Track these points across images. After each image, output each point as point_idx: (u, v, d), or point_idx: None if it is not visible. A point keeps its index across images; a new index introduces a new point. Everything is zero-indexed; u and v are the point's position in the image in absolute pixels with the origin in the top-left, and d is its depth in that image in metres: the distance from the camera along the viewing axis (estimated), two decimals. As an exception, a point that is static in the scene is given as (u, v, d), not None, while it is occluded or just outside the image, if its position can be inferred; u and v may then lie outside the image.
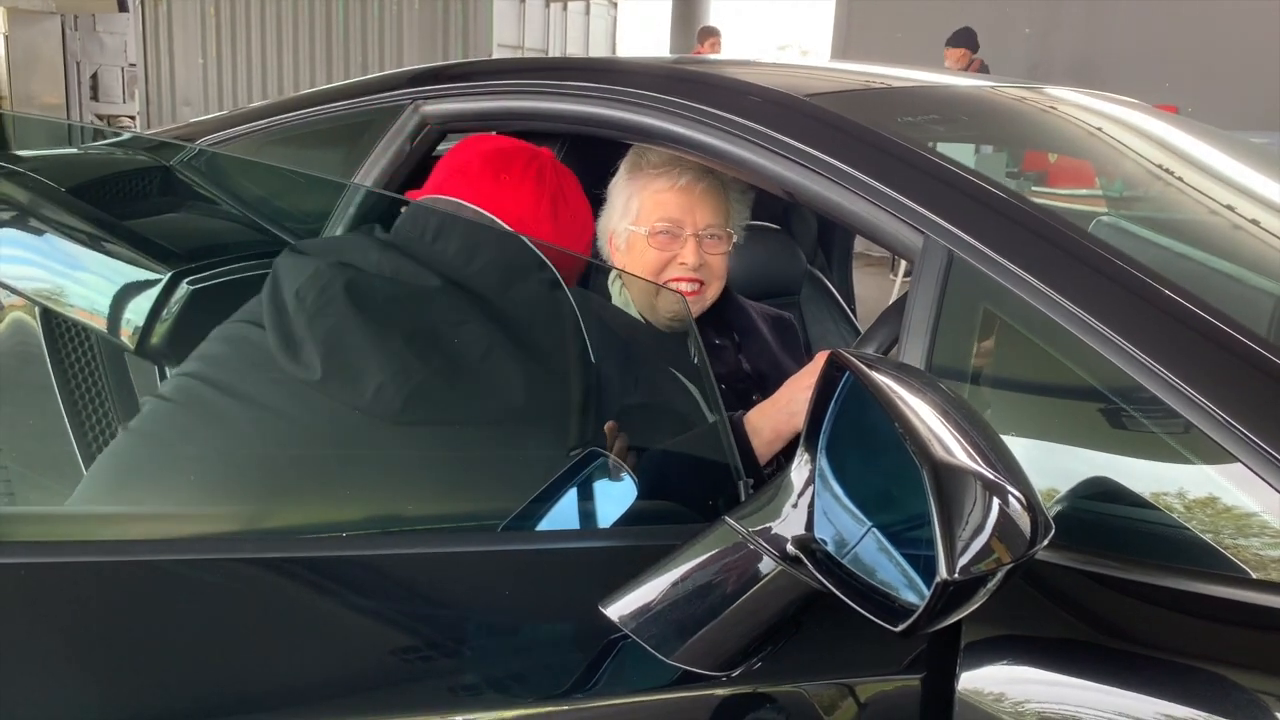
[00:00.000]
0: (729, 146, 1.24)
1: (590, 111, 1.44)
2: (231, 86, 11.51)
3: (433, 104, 1.65)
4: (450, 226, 1.07)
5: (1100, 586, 0.88)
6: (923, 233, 1.04)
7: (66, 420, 1.43)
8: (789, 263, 2.33)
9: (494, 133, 1.73)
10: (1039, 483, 0.92)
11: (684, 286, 1.56)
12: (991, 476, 0.66)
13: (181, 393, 1.24)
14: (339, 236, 1.07)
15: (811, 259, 2.45)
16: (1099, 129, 1.62)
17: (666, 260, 1.55)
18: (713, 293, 1.61)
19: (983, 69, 7.34)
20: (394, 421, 0.95)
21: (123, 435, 1.29)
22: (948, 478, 0.64)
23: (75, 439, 1.41)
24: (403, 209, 1.18)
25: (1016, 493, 0.67)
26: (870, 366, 0.71)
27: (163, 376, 1.47)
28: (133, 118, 12.17)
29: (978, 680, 0.84)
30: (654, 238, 1.55)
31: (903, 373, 0.73)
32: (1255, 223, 1.48)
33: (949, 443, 0.67)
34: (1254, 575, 0.85)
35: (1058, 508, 0.93)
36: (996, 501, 0.65)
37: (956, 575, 0.62)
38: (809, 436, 0.77)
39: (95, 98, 12.33)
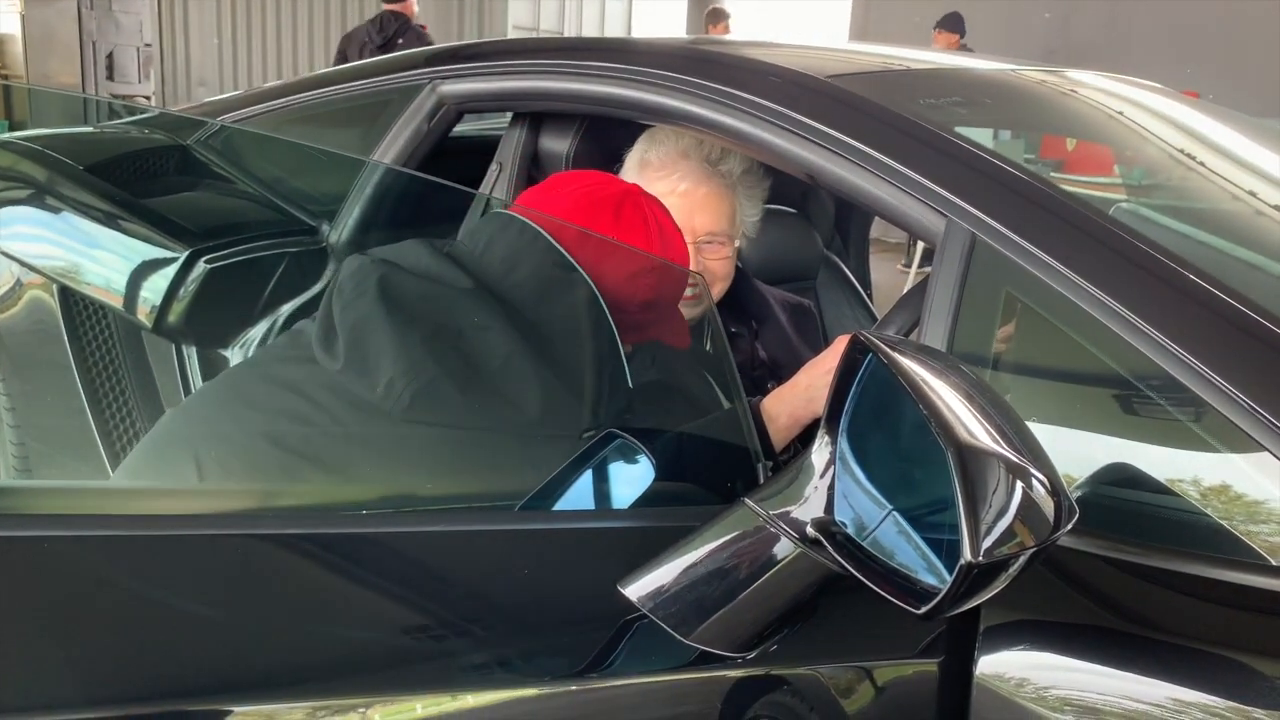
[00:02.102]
0: (749, 128, 1.23)
1: (609, 92, 1.43)
2: (247, 66, 11.51)
3: (450, 84, 1.65)
4: (501, 237, 1.07)
5: (1120, 572, 0.88)
6: (945, 216, 1.03)
7: (84, 398, 1.44)
8: (806, 247, 2.32)
9: (511, 113, 1.72)
10: (1060, 467, 0.91)
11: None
12: (1015, 460, 0.66)
13: (231, 377, 1.26)
14: (404, 242, 1.08)
15: (828, 244, 2.44)
16: (1123, 113, 1.60)
17: None
18: (715, 292, 1.59)
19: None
20: (402, 418, 0.95)
21: (169, 413, 1.31)
22: (972, 460, 0.64)
23: (93, 416, 1.42)
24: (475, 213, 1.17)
25: (1041, 476, 0.66)
26: (894, 349, 0.71)
27: (180, 355, 1.48)
28: (148, 98, 12.18)
29: (996, 665, 0.84)
30: None
31: (926, 355, 0.72)
32: (1261, 206, 1.46)
33: (973, 426, 0.66)
34: (1275, 562, 0.84)
35: (1078, 493, 0.92)
36: (1020, 485, 0.65)
37: (980, 558, 0.61)
38: (830, 419, 0.76)
39: (111, 77, 12.32)
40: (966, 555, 0.61)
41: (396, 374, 0.94)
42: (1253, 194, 1.51)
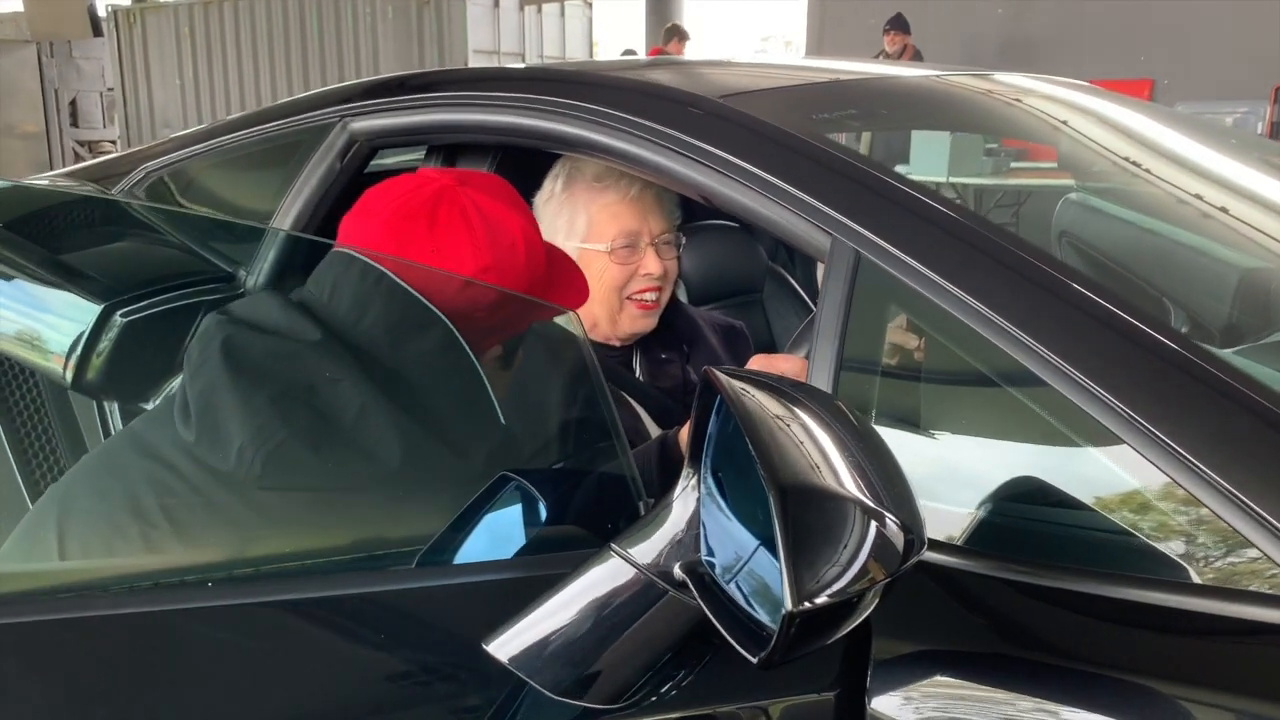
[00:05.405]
0: (644, 152, 1.21)
1: (513, 122, 1.42)
2: (210, 106, 11.49)
3: (361, 120, 1.63)
4: (345, 280, 1.03)
5: (1016, 593, 0.85)
6: (830, 234, 1.01)
7: (14, 463, 1.41)
8: (750, 261, 2.31)
9: (425, 145, 1.70)
10: (948, 485, 0.89)
11: (648, 297, 1.54)
12: (858, 496, 0.63)
13: (107, 446, 1.22)
14: (256, 295, 1.03)
15: (773, 255, 2.42)
16: (1036, 110, 1.59)
17: (630, 274, 1.52)
18: (667, 296, 1.59)
19: (916, 55, 7.45)
20: (258, 486, 0.91)
21: (50, 489, 1.27)
22: (795, 502, 0.61)
23: (24, 482, 1.39)
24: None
25: (886, 512, 0.63)
26: (742, 385, 0.68)
27: (103, 413, 1.45)
28: (113, 142, 12.15)
29: (890, 697, 0.81)
30: (616, 253, 1.51)
31: (774, 391, 0.69)
32: (1199, 196, 1.45)
33: (817, 462, 0.64)
34: (1190, 579, 0.82)
35: (982, 512, 0.90)
36: (858, 522, 0.62)
37: (803, 605, 0.59)
38: (692, 456, 0.74)
39: (75, 124, 12.30)
40: (788, 603, 0.59)
41: (246, 440, 0.91)
42: (1173, 184, 1.50)
